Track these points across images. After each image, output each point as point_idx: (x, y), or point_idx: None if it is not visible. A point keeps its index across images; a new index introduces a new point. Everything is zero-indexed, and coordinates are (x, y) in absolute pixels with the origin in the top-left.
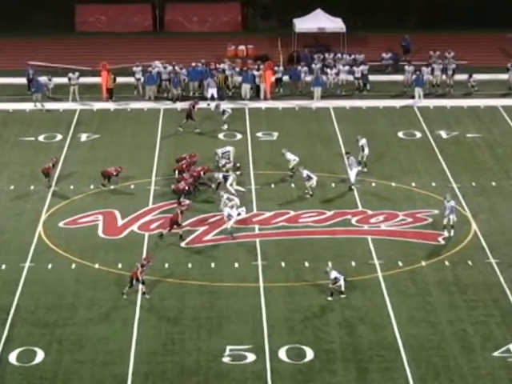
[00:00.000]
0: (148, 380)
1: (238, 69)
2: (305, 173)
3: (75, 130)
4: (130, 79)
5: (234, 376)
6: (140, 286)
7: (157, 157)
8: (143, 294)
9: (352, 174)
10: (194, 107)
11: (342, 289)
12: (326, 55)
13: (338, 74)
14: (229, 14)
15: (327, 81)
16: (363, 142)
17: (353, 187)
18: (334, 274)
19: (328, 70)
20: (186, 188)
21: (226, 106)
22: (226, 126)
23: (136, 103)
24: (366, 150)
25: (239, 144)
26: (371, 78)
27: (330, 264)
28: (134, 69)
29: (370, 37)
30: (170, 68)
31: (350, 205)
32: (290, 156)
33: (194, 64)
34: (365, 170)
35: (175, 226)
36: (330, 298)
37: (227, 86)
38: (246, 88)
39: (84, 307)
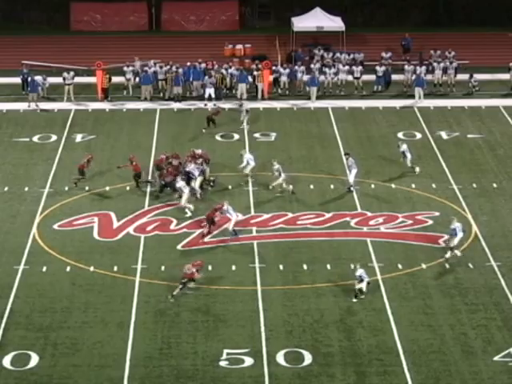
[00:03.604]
0: None
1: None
2: (277, 166)
3: (70, 131)
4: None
5: (231, 380)
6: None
7: (153, 158)
8: (172, 296)
9: (351, 175)
10: (216, 114)
11: (364, 289)
12: (325, 54)
13: (336, 73)
14: (226, 12)
15: (325, 80)
16: (404, 147)
17: (352, 189)
18: (359, 272)
19: (326, 70)
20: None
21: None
22: (246, 126)
23: (132, 103)
24: (409, 155)
25: (236, 145)
26: (370, 77)
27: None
28: (125, 69)
29: (370, 36)
30: (165, 68)
31: (349, 207)
32: (247, 158)
33: (189, 63)
34: (417, 169)
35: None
36: (354, 300)
37: (225, 86)
38: (242, 88)
39: (79, 310)
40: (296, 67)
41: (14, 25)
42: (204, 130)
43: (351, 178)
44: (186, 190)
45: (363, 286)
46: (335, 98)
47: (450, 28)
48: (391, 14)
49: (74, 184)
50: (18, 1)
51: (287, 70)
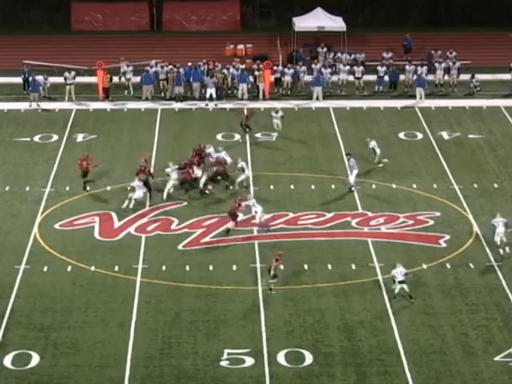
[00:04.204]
0: None
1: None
2: (241, 164)
3: (71, 131)
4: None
5: (231, 380)
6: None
7: (154, 157)
8: (270, 290)
9: (352, 176)
10: (248, 118)
11: (396, 290)
12: (326, 54)
13: (333, 73)
14: (227, 12)
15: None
16: (373, 144)
17: (353, 189)
18: (394, 272)
19: (322, 70)
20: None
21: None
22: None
23: (133, 103)
24: (378, 151)
25: (238, 145)
26: (370, 77)
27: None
28: (125, 68)
29: (371, 36)
30: (167, 68)
31: (350, 207)
32: (244, 169)
33: (190, 64)
34: (385, 160)
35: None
36: (393, 300)
37: (226, 86)
38: (243, 88)
39: (80, 310)
40: (298, 67)
41: (14, 25)
42: (248, 134)
43: (352, 178)
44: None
45: (395, 287)
46: (336, 98)
47: (450, 28)
48: (392, 14)
49: (84, 189)
50: (19, 1)
51: (291, 70)
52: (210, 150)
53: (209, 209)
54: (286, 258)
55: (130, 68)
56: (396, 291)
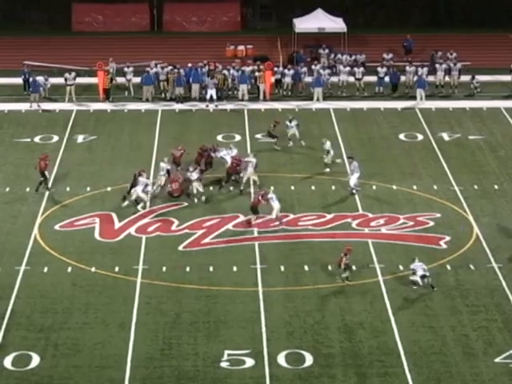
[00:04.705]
0: None
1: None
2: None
3: (71, 131)
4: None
5: (232, 381)
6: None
7: (154, 159)
8: (346, 279)
9: (353, 178)
10: (275, 126)
11: (420, 283)
12: (328, 56)
13: (333, 74)
14: (228, 13)
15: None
16: (328, 145)
17: (354, 191)
18: (413, 265)
19: (321, 71)
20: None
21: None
22: (291, 143)
23: (133, 104)
24: (332, 153)
25: (238, 146)
26: (371, 78)
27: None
28: (125, 69)
29: (371, 37)
30: (167, 68)
31: (351, 208)
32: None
33: (190, 65)
34: (327, 170)
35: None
36: (414, 287)
37: (227, 87)
38: (243, 89)
39: (80, 311)
40: (299, 68)
41: (15, 26)
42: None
43: (352, 181)
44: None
45: (417, 278)
46: (337, 99)
47: (450, 29)
48: (392, 15)
49: (36, 191)
50: (19, 1)
51: (292, 71)
52: (223, 152)
53: (209, 210)
54: (286, 259)
55: (131, 69)
56: (420, 284)
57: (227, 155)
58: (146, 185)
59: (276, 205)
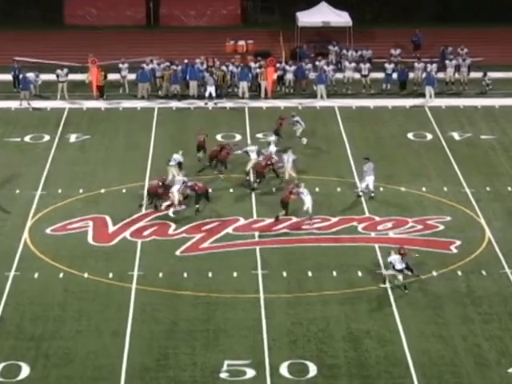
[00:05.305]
0: None
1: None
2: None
3: (64, 131)
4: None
5: None
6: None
7: (150, 159)
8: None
9: (363, 181)
10: (281, 124)
11: (399, 277)
12: (336, 53)
13: (338, 70)
14: (227, 7)
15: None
16: (272, 139)
17: (360, 194)
18: (390, 258)
19: (325, 67)
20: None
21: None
22: (304, 141)
23: (128, 102)
24: (272, 148)
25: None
26: (378, 75)
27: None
28: (120, 66)
29: (378, 31)
30: (163, 64)
31: (357, 211)
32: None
33: (186, 61)
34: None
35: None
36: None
37: (226, 84)
38: (243, 86)
39: (72, 319)
40: (303, 64)
41: (5, 20)
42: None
43: (363, 183)
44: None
45: (393, 272)
46: (342, 96)
47: (461, 23)
48: (400, 9)
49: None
50: None
51: (293, 68)
52: (249, 148)
53: (208, 213)
54: (289, 265)
55: (126, 65)
56: (397, 282)
57: (253, 152)
58: (184, 182)
59: (308, 199)
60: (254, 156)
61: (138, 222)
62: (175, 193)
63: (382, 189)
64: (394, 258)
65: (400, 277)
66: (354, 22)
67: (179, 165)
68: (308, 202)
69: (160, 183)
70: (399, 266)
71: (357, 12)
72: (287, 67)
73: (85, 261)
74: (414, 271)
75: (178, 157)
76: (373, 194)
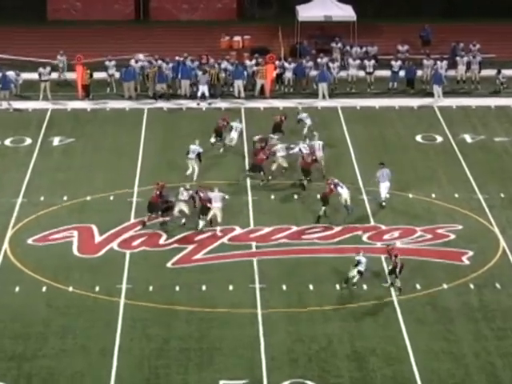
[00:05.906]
0: None
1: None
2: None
3: (46, 133)
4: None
5: None
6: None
7: (140, 164)
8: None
9: (381, 189)
10: (282, 121)
11: (354, 278)
12: (340, 50)
13: (340, 68)
14: (222, 0)
15: (331, 76)
16: (256, 138)
17: (383, 204)
18: (359, 257)
19: (330, 64)
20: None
21: (304, 115)
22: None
23: (116, 102)
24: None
25: (233, 148)
26: (384, 73)
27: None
28: (107, 63)
29: (384, 26)
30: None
31: (361, 219)
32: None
33: (177, 58)
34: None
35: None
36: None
37: (220, 82)
38: (239, 85)
39: (56, 336)
40: (304, 62)
41: None
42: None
43: (383, 191)
44: None
45: (355, 271)
46: (345, 95)
47: (473, 17)
48: (408, 3)
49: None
50: None
51: (292, 65)
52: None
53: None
54: (288, 277)
55: (113, 63)
56: (355, 280)
57: (304, 148)
58: (224, 198)
59: (345, 192)
60: (281, 153)
61: (126, 231)
62: (218, 213)
63: (388, 195)
64: (362, 259)
65: (357, 276)
66: (357, 16)
67: (198, 156)
68: (345, 194)
69: (157, 192)
70: (362, 267)
71: (361, 5)
72: (286, 65)
73: (69, 273)
74: (398, 276)
75: (196, 148)
76: (384, 203)
